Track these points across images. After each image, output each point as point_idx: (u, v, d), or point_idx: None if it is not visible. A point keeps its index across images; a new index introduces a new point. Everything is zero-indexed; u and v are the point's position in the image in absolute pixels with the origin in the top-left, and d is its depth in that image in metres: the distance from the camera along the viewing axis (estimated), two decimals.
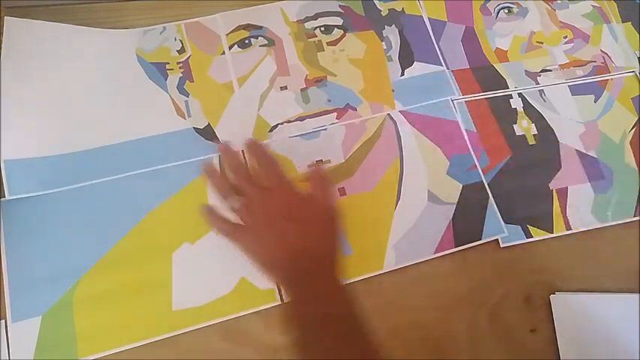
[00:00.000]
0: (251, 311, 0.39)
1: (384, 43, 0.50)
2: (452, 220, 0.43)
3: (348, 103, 0.47)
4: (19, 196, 0.39)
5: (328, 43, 0.49)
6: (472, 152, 0.46)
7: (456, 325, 0.41)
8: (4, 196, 0.39)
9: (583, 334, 0.41)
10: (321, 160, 0.44)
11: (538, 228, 0.44)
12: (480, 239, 0.43)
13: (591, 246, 0.45)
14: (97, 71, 0.45)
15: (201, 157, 0.43)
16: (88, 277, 0.39)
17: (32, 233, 0.39)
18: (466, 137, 0.47)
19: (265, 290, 0.39)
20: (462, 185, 0.45)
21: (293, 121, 0.46)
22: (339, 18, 0.50)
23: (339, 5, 0.51)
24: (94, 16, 0.47)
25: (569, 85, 0.50)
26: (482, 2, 0.54)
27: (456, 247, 0.42)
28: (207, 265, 0.40)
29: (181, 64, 0.46)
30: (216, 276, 0.40)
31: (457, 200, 0.44)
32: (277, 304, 0.39)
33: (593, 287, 0.43)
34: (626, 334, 0.41)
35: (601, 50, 0.53)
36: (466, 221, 0.43)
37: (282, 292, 0.40)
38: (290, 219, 0.36)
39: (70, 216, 0.40)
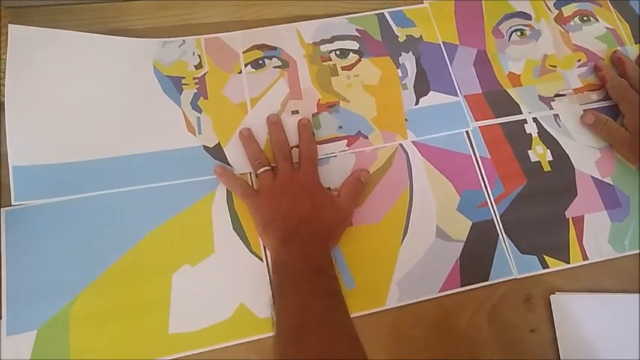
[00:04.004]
0: (246, 340, 0.38)
1: (399, 70, 0.49)
2: (459, 259, 0.42)
3: (359, 131, 0.46)
4: (24, 203, 0.40)
5: (343, 68, 0.48)
6: (484, 188, 0.45)
7: (456, 325, 0.40)
8: (9, 205, 0.39)
9: (583, 334, 0.40)
10: (330, 188, 0.43)
11: (554, 258, 0.43)
12: (488, 280, 0.42)
13: None
14: (112, 80, 0.45)
15: (208, 177, 0.43)
16: (86, 294, 0.38)
17: (33, 244, 0.39)
18: (479, 170, 0.45)
19: (263, 319, 0.39)
20: (471, 222, 0.43)
21: None
22: (355, 42, 0.50)
23: (356, 29, 0.50)
24: (95, 16, 0.46)
25: (584, 110, 0.49)
26: (495, 24, 0.53)
27: (462, 286, 0.41)
28: (206, 289, 0.39)
29: (197, 80, 0.46)
30: (216, 300, 0.39)
31: (466, 238, 0.43)
32: (273, 334, 0.38)
33: (593, 287, 0.42)
34: (626, 334, 0.40)
35: None
36: (474, 260, 0.42)
37: (270, 252, 0.39)
38: (308, 196, 0.39)
39: (72, 228, 0.40)
